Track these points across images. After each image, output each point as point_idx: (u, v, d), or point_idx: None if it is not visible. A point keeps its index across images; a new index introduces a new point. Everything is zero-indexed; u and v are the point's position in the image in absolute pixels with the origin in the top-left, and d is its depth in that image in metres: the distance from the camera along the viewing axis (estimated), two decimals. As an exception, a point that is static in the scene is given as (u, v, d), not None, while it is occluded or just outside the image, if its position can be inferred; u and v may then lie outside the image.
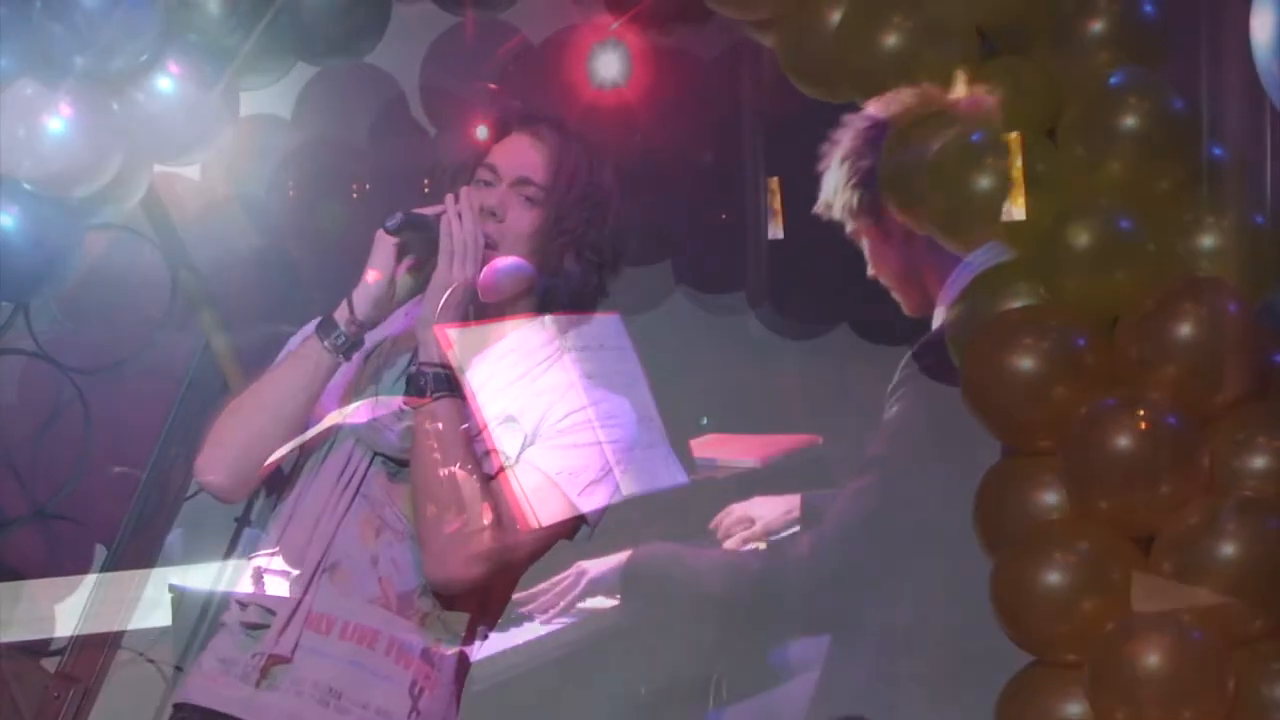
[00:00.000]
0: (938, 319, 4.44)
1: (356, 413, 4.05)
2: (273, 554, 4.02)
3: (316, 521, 3.97)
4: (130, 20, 4.45)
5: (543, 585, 4.96)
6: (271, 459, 4.00)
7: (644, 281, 5.37)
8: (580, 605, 4.98)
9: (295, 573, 3.97)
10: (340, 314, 3.96)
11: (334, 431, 4.04)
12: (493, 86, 4.95)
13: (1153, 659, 3.26)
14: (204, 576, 4.62)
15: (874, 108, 4.03)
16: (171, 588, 4.41)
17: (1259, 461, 3.34)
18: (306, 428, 4.04)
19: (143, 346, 5.09)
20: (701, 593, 4.62)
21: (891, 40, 3.83)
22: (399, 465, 3.95)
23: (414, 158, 5.13)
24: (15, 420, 5.09)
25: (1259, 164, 4.74)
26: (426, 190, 4.48)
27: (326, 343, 3.94)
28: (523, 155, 4.10)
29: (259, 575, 4.02)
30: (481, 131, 4.71)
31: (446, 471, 3.84)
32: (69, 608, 4.65)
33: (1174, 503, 3.33)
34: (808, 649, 5.01)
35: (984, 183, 3.65)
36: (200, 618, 4.56)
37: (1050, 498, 3.41)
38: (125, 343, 5.10)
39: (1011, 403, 3.47)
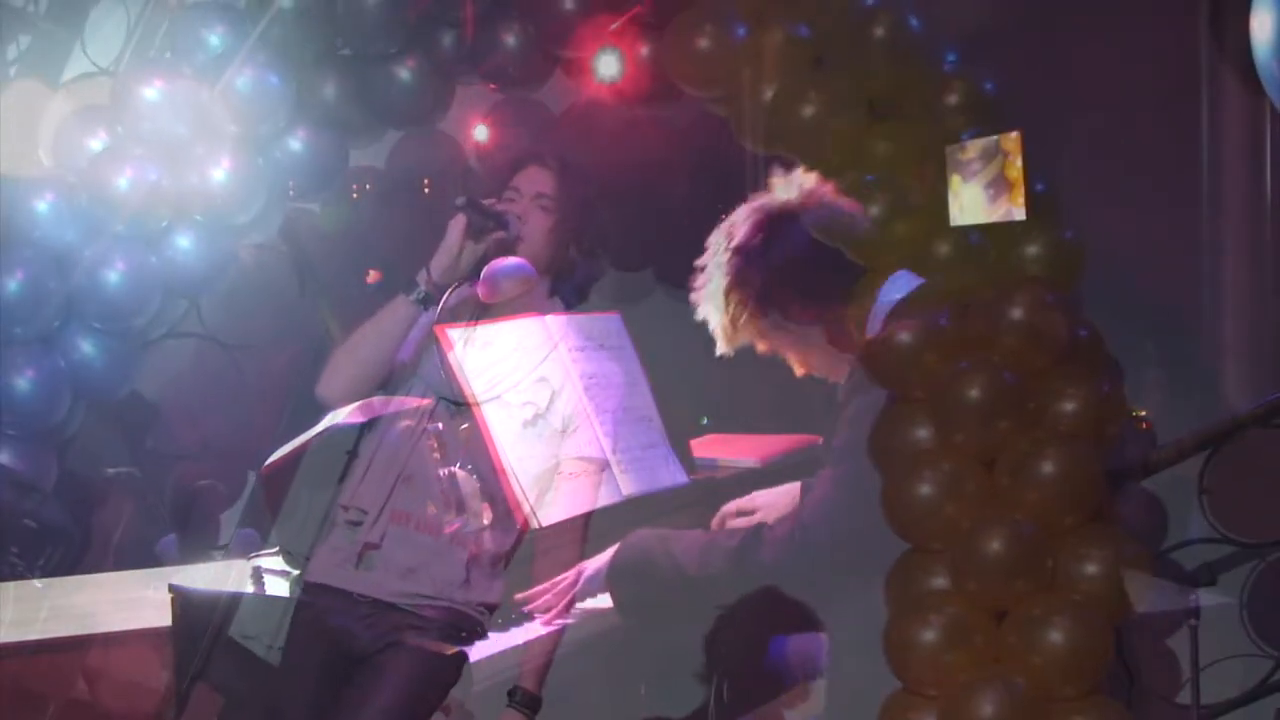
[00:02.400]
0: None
1: (425, 364, 4.03)
2: (366, 470, 3.98)
3: (397, 447, 3.97)
4: (271, 100, 4.49)
5: (543, 585, 4.09)
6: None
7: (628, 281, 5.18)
8: (581, 605, 4.13)
9: (382, 482, 3.95)
10: (421, 276, 3.98)
11: (410, 379, 4.03)
12: (492, 87, 4.81)
13: (995, 546, 3.27)
14: (204, 576, 4.28)
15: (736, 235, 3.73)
16: (171, 588, 3.99)
17: (1069, 406, 3.34)
18: (393, 364, 4.02)
19: (280, 330, 5.13)
20: (681, 574, 3.82)
21: (808, 110, 3.86)
22: (455, 404, 3.94)
23: (469, 192, 5.09)
24: (189, 383, 5.12)
25: (1259, 164, 4.62)
26: (427, 189, 4.45)
27: (411, 296, 3.96)
28: (537, 178, 4.13)
29: (356, 485, 3.97)
30: (480, 132, 4.72)
31: None
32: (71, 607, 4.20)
33: (1010, 435, 3.34)
34: (807, 647, 4.04)
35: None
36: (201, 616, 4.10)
37: (923, 432, 3.40)
38: (267, 327, 5.13)
39: (896, 364, 3.48)
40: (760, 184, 3.87)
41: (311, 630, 3.95)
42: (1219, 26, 4.54)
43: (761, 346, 3.83)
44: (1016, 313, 3.39)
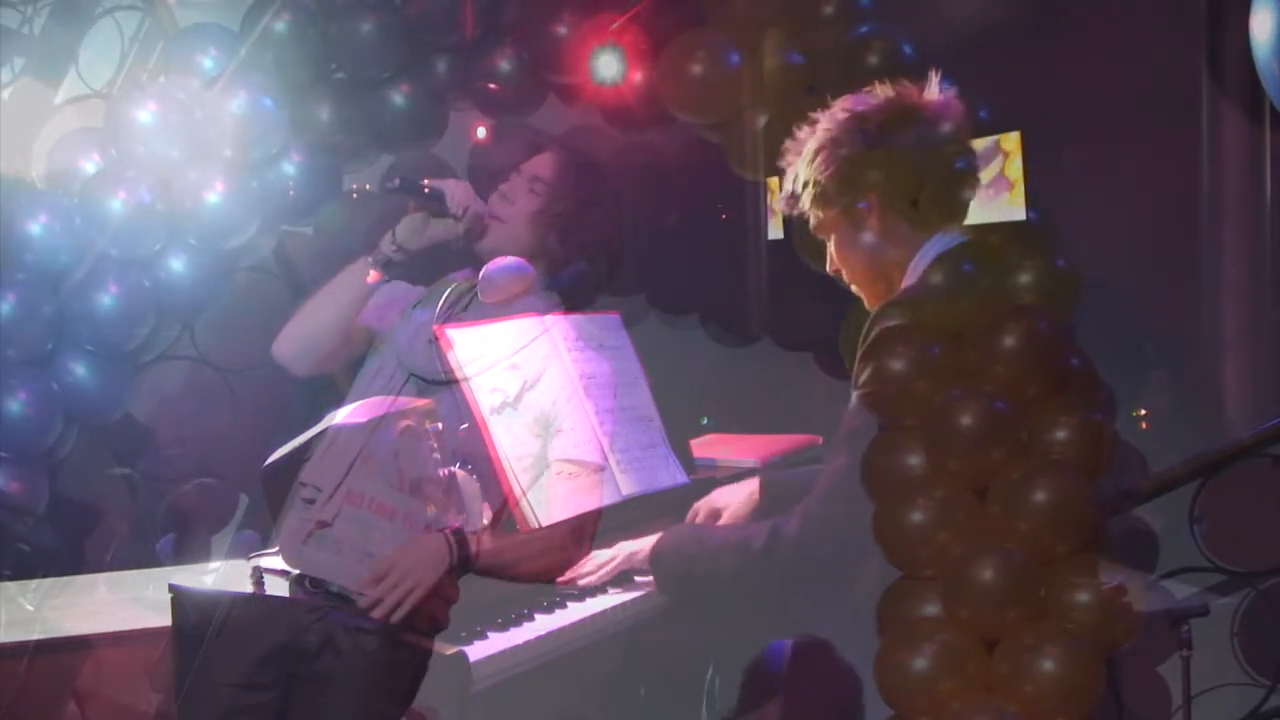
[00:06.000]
0: None
1: (399, 339, 4.06)
2: (328, 448, 3.79)
3: (359, 426, 3.80)
4: (265, 123, 4.49)
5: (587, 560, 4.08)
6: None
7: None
8: (584, 602, 4.10)
9: (341, 460, 3.75)
10: (385, 240, 4.10)
11: (380, 353, 4.07)
12: (492, 86, 4.70)
13: (986, 574, 3.27)
14: (203, 576, 4.19)
15: (849, 102, 3.76)
16: (171, 588, 3.85)
17: (1061, 434, 3.34)
18: (351, 328, 4.13)
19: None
20: (717, 572, 3.89)
21: (800, 137, 3.86)
22: (425, 383, 3.92)
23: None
24: (182, 407, 5.10)
25: (1259, 164, 4.60)
26: (427, 189, 4.42)
27: (370, 258, 4.08)
28: (540, 164, 4.18)
29: (317, 462, 3.79)
30: (480, 132, 4.73)
31: None
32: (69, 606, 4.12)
33: (1002, 464, 3.34)
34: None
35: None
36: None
37: (915, 459, 3.40)
38: (259, 350, 5.10)
39: (889, 392, 3.48)
40: (753, 209, 3.89)
41: (254, 611, 3.85)
42: (1218, 27, 4.53)
43: (814, 221, 3.80)
44: (1009, 341, 3.39)
